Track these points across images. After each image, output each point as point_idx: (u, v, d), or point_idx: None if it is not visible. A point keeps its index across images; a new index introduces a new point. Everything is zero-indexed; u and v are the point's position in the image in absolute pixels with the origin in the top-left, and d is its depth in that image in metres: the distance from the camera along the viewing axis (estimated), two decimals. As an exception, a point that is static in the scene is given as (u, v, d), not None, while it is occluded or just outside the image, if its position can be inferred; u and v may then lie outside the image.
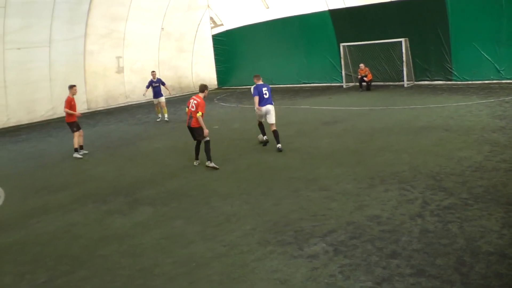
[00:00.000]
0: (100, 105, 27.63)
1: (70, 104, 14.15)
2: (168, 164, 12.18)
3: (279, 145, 12.35)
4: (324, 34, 27.09)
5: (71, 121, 14.36)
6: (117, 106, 28.06)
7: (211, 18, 33.11)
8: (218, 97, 28.12)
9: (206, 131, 11.12)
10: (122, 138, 16.83)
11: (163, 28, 30.39)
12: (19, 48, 22.95)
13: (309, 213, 7.64)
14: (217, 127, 16.70)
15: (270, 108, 12.55)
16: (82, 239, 7.53)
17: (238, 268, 5.97)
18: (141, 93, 23.08)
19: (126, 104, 28.05)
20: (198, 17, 32.90)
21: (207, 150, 11.29)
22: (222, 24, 32.89)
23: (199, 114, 11.07)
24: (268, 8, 29.30)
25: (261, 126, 13.19)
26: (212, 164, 11.25)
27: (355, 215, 7.35)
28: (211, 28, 33.53)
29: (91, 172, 12.23)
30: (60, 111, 25.23)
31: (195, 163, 11.75)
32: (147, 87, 20.40)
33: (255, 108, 12.65)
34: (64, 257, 6.86)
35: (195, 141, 11.69)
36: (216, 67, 34.42)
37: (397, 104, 17.91)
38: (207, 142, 11.30)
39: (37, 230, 8.20)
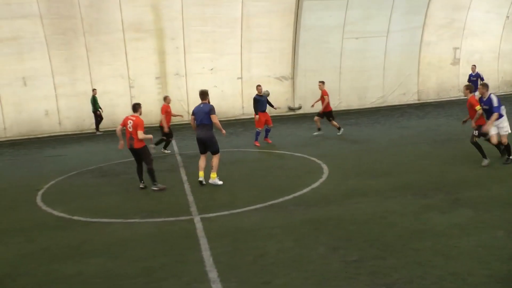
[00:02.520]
0: (431, 97, 26.98)
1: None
2: (496, 168, 10.93)
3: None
4: None
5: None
6: (448, 99, 26.96)
7: None
8: None
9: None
10: (449, 132, 16.01)
11: (508, 17, 27.73)
12: (357, 38, 24.09)
13: None
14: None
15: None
16: (397, 228, 7.28)
17: None
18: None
19: (458, 98, 26.76)
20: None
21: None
22: None
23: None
24: None
25: None
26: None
27: None
28: None
29: (414, 164, 11.89)
30: (391, 99, 25.81)
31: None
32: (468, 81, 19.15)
33: None
34: (376, 241, 6.74)
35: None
36: None
37: None
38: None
39: (354, 210, 8.31)
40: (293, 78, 24.58)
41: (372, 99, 25.47)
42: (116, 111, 23.50)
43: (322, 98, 16.82)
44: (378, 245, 6.58)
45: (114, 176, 12.88)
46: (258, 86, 16.41)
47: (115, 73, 23.28)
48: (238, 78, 24.04)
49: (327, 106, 16.74)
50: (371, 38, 24.43)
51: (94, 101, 22.52)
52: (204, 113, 10.89)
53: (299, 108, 24.27)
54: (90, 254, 7.16)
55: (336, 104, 24.44)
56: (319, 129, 17.26)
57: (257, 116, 15.90)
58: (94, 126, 23.05)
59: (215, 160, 11.02)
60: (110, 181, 12.33)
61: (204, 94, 11.26)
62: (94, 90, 22.52)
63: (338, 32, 23.88)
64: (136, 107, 11.27)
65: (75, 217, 9.17)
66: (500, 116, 10.76)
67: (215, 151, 11.03)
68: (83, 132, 23.32)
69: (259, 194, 9.85)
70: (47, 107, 23.31)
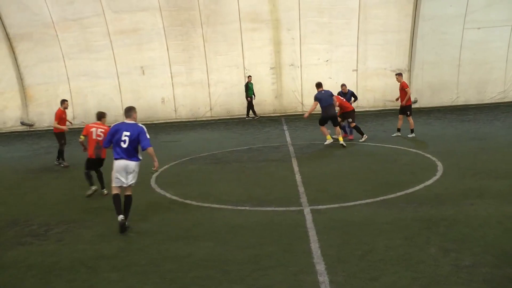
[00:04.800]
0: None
1: None
2: None
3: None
4: None
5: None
6: None
7: None
8: None
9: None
10: None
11: None
12: (479, 28, 22.76)
13: None
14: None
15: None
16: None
17: None
18: None
19: None
20: None
21: (101, 177, 10.59)
22: None
23: None
24: None
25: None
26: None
27: None
28: None
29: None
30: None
31: (89, 191, 10.50)
32: None
33: None
34: (491, 247, 6.32)
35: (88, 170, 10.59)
36: None
37: None
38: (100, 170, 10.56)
39: (469, 212, 7.90)
40: (409, 70, 23.78)
41: (492, 94, 23.94)
42: (230, 100, 24.21)
43: (402, 92, 15.92)
44: (493, 251, 6.20)
45: (227, 164, 13.27)
46: (343, 86, 16.60)
47: (230, 63, 23.95)
48: (354, 70, 23.72)
49: (407, 99, 15.82)
50: (494, 28, 22.90)
51: (247, 88, 23.26)
52: (328, 96, 14.76)
53: (415, 102, 23.48)
54: (200, 238, 7.44)
55: (453, 98, 23.43)
56: (398, 130, 16.17)
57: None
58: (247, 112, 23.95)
59: (338, 128, 14.83)
60: (222, 168, 12.73)
61: (321, 84, 14.92)
62: (249, 77, 23.28)
63: (458, 22, 22.69)
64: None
65: (188, 201, 9.59)
66: None
67: (338, 123, 14.82)
68: (197, 119, 24.25)
69: (371, 188, 9.68)
70: (164, 95, 24.55)
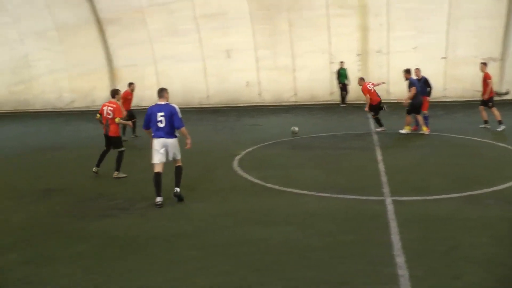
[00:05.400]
0: None
1: None
2: None
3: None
4: None
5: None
6: None
7: None
8: None
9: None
10: None
11: None
12: None
13: None
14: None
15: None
16: None
17: None
18: None
19: None
20: None
21: (119, 160, 10.77)
22: None
23: (117, 119, 10.54)
24: None
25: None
26: (121, 175, 10.76)
27: None
28: None
29: None
30: None
31: (94, 169, 10.99)
32: None
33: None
34: None
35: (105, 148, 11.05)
36: None
37: None
38: (122, 152, 10.81)
39: None
40: (502, 60, 22.52)
41: None
42: (315, 85, 24.09)
43: (484, 82, 15.04)
44: None
45: (309, 149, 13.27)
46: (417, 70, 15.42)
47: (316, 48, 23.74)
48: (442, 58, 22.79)
49: (490, 91, 14.94)
50: None
51: (339, 74, 23.01)
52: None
53: (507, 93, 22.24)
54: (279, 222, 7.51)
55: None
56: (485, 122, 15.33)
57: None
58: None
59: (420, 118, 14.67)
60: (304, 154, 12.74)
61: (410, 71, 14.76)
62: (341, 62, 22.94)
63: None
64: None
65: (269, 185, 9.68)
66: None
67: (420, 112, 14.71)
68: (281, 104, 24.32)
69: (455, 182, 9.38)
70: (248, 79, 24.77)
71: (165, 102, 8.73)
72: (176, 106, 8.69)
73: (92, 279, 5.73)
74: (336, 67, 23.40)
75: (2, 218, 8.35)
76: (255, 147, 13.81)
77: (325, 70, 23.91)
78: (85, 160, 12.71)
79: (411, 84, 14.32)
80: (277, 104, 24.52)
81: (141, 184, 10.17)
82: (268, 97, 24.98)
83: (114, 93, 10.96)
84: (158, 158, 8.61)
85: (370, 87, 15.70)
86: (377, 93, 15.78)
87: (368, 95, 15.52)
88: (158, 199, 8.50)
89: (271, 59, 24.43)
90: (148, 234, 7.20)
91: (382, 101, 15.85)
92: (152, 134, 8.65)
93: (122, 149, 10.93)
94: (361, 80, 16.17)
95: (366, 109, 15.81)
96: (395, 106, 16.19)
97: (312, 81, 24.26)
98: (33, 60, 27.63)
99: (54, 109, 27.39)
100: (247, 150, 13.30)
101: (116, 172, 10.87)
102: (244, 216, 7.91)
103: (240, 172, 10.90)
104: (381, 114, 15.78)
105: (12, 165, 12.55)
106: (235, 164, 11.71)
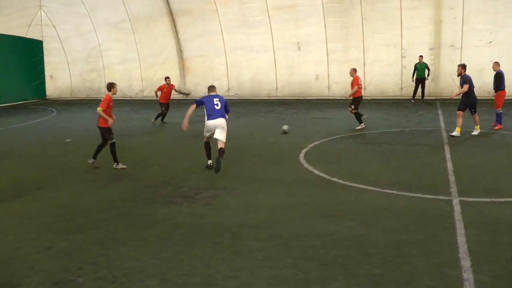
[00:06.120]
0: None
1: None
2: None
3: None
4: None
5: None
6: None
7: None
8: None
9: (110, 121, 10.89)
10: None
11: None
12: None
13: None
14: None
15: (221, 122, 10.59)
16: None
17: None
18: None
19: None
20: None
21: (113, 152, 11.09)
22: None
23: (99, 109, 10.75)
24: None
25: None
26: (120, 166, 11.15)
27: None
28: None
29: None
30: None
31: (89, 161, 11.28)
32: None
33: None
34: None
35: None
36: None
37: None
38: (113, 144, 11.04)
39: None
40: None
41: None
42: (385, 80, 23.74)
43: None
44: None
45: (376, 145, 13.17)
46: (496, 63, 15.05)
47: (388, 42, 23.40)
48: (520, 52, 21.79)
49: None
50: None
51: (415, 68, 22.33)
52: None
53: None
54: (344, 217, 7.54)
55: None
56: None
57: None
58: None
59: (477, 117, 14.00)
60: (372, 149, 12.66)
61: (465, 66, 13.98)
62: (420, 56, 22.21)
63: None
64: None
65: (334, 179, 9.74)
66: None
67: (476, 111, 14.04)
68: (350, 98, 24.06)
69: (528, 185, 9.06)
70: (318, 72, 24.71)
71: (216, 93, 10.95)
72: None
73: (158, 264, 5.99)
74: (408, 61, 22.90)
75: (74, 201, 8.89)
76: (322, 140, 13.86)
77: (396, 64, 23.51)
78: (152, 147, 13.21)
79: (466, 81, 13.77)
80: (346, 98, 24.29)
81: (207, 173, 10.48)
82: (337, 90, 24.83)
83: (110, 86, 11.29)
84: (208, 134, 10.70)
85: (360, 81, 16.01)
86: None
87: (356, 87, 15.72)
88: (209, 161, 10.82)
89: (342, 52, 24.27)
90: (213, 223, 7.42)
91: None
92: (207, 117, 10.55)
93: (113, 141, 11.13)
94: (354, 71, 16.23)
95: (347, 95, 16.56)
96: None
97: (382, 75, 23.94)
98: (106, 49, 28.88)
99: (124, 98, 28.50)
100: (314, 143, 13.37)
101: (115, 164, 11.23)
102: (308, 209, 8.00)
103: (306, 165, 11.00)
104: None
105: (86, 149, 13.21)
106: (301, 157, 11.82)
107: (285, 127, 15.43)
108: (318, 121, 17.73)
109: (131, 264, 6.00)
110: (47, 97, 31.56)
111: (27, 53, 29.68)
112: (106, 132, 11.07)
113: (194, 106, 10.61)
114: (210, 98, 10.68)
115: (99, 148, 11.32)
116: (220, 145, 10.36)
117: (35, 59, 30.46)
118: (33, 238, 7.04)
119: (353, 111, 15.76)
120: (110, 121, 10.92)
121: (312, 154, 12.13)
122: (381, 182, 9.42)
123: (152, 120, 18.46)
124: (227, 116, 10.81)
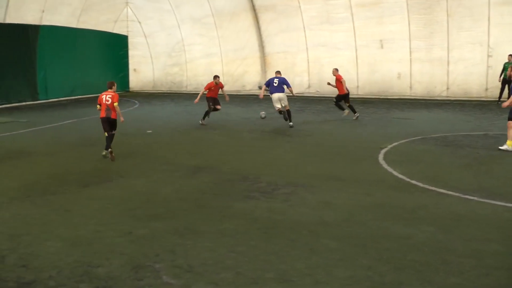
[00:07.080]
0: None
1: None
2: None
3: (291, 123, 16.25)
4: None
5: None
6: None
7: None
8: None
9: (122, 119, 12.00)
10: None
11: None
12: None
13: None
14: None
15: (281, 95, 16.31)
16: None
17: None
18: None
19: None
20: None
21: (111, 140, 11.80)
22: None
23: (116, 104, 11.72)
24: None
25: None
26: (105, 152, 11.75)
27: None
28: None
29: None
30: None
31: (103, 153, 11.79)
32: None
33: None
34: None
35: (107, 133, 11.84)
36: None
37: None
38: (112, 135, 11.91)
39: None
40: None
41: None
42: (469, 80, 22.91)
43: None
44: None
45: (459, 148, 12.79)
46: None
47: (474, 40, 22.57)
48: None
49: None
50: None
51: (504, 68, 21.04)
52: None
53: None
54: (422, 221, 7.40)
55: None
56: None
57: None
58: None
59: None
60: (453, 152, 12.32)
61: None
62: (510, 56, 20.99)
63: None
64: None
65: (413, 181, 9.57)
66: None
67: None
68: (433, 98, 23.50)
69: None
70: (400, 70, 24.24)
71: (279, 76, 16.56)
72: (285, 78, 16.73)
73: (233, 257, 6.13)
74: (495, 60, 21.92)
75: (154, 189, 9.29)
76: (402, 141, 13.65)
77: (481, 64, 22.60)
78: (231, 141, 13.46)
79: None
80: (428, 98, 23.74)
81: (286, 169, 10.62)
82: (419, 90, 24.29)
83: (111, 84, 12.24)
84: (277, 106, 16.28)
85: (343, 80, 17.74)
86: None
87: (342, 85, 17.60)
88: (282, 113, 16.37)
89: (426, 50, 23.67)
90: (290, 220, 7.51)
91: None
92: (270, 92, 16.43)
93: (114, 132, 12.10)
94: (336, 71, 17.92)
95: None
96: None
97: (466, 74, 23.11)
98: (189, 44, 29.69)
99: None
100: (394, 144, 13.20)
101: (105, 151, 11.78)
102: (386, 210, 7.93)
103: (385, 165, 10.90)
104: None
105: (166, 140, 13.63)
106: (381, 157, 11.72)
107: (262, 113, 17.50)
108: (399, 121, 17.44)
109: (207, 256, 6.17)
110: (130, 90, 32.93)
111: (113, 47, 31.22)
112: (116, 123, 12.12)
113: (264, 86, 16.96)
114: (272, 79, 16.59)
115: (108, 138, 11.94)
116: (286, 108, 16.20)
117: (120, 53, 31.97)
118: (115, 222, 7.44)
119: (335, 104, 18.29)
120: (122, 119, 12.06)
121: (392, 155, 11.99)
122: (461, 187, 9.16)
123: (200, 121, 17.40)
124: (287, 90, 16.43)
